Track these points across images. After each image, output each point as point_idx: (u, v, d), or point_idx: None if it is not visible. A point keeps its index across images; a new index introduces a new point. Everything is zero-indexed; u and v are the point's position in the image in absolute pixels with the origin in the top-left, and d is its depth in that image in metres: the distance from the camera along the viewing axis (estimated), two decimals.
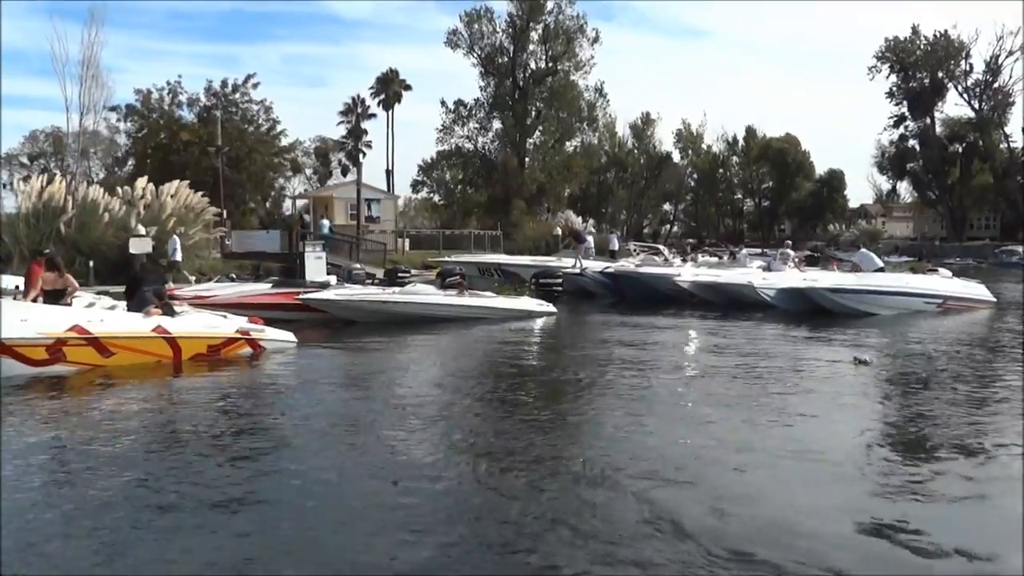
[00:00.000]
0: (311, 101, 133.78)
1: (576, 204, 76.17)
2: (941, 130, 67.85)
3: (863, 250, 20.98)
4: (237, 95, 37.61)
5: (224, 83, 37.57)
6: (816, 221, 77.74)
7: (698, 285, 20.02)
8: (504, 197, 55.04)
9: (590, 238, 29.27)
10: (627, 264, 24.15)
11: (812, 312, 17.60)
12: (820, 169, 77.37)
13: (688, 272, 21.67)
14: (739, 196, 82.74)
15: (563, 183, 61.41)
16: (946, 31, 63.94)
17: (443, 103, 58.25)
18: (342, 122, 70.26)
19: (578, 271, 22.60)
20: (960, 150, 68.14)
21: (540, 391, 9.65)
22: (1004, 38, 61.88)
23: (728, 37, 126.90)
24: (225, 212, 28.41)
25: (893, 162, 70.23)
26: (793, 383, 9.91)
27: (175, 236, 20.02)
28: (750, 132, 78.61)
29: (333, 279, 19.75)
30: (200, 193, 24.60)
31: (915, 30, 65.20)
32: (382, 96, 65.01)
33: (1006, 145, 65.21)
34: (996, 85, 63.38)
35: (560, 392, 9.66)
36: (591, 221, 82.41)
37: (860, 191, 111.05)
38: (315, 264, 22.96)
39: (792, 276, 19.72)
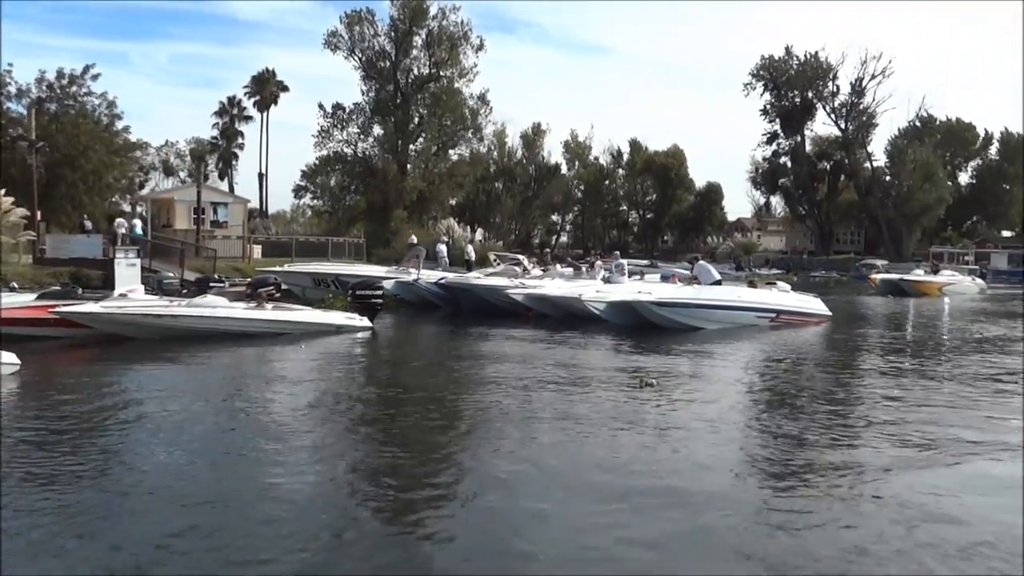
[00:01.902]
0: (201, 102, 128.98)
1: (464, 213, 75.38)
2: (811, 148, 70.52)
3: (701, 262, 20.66)
4: (74, 87, 34.67)
5: (60, 73, 34.61)
6: (697, 233, 79.55)
7: (530, 298, 19.23)
8: (384, 204, 53.50)
9: (442, 246, 28.17)
10: (471, 276, 23.16)
11: (641, 326, 17.07)
12: (701, 182, 79.49)
13: (554, 285, 20.82)
14: (624, 208, 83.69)
15: (447, 191, 60.26)
16: (816, 53, 66.60)
17: (320, 106, 56.17)
18: (216, 123, 67.35)
19: (411, 280, 21.55)
20: (828, 167, 70.98)
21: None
22: (868, 62, 64.90)
23: (623, 54, 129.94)
24: (40, 214, 25.82)
25: (766, 177, 72.49)
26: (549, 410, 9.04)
27: None
28: (635, 145, 79.74)
29: (140, 288, 17.97)
30: (3, 192, 22.12)
31: (788, 50, 67.62)
32: (257, 97, 62.46)
33: (869, 164, 68.27)
34: (861, 106, 66.26)
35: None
36: (480, 230, 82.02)
37: (741, 205, 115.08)
38: (127, 272, 20.97)
39: (625, 289, 19.16)
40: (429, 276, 22.21)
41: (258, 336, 14.50)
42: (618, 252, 28.47)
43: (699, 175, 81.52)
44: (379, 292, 17.53)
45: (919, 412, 9.22)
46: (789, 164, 70.49)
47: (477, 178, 66.90)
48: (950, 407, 9.58)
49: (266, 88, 62.04)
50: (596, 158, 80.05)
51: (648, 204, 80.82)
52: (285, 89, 64.35)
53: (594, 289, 19.29)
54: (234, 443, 7.53)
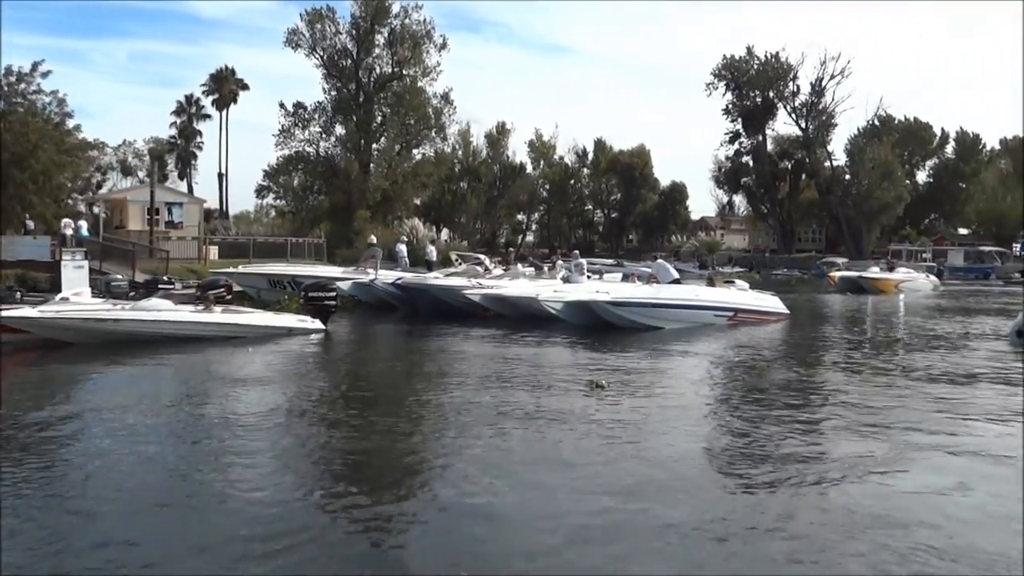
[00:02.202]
0: (162, 101, 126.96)
1: (429, 212, 74.95)
2: (772, 147, 71.20)
3: (659, 261, 20.70)
4: (23, 85, 33.68)
5: (8, 71, 33.60)
6: (661, 232, 79.97)
7: (487, 298, 19.05)
8: (347, 204, 52.94)
9: (402, 246, 27.87)
10: (428, 276, 22.91)
11: (598, 326, 16.97)
12: (666, 182, 79.93)
13: (512, 285, 20.62)
14: (589, 207, 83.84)
15: (411, 191, 59.77)
16: (776, 53, 67.23)
17: (281, 105, 55.36)
18: (174, 122, 66.19)
19: (367, 280, 21.26)
20: (789, 166, 71.73)
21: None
22: (827, 63, 65.70)
23: (589, 54, 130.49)
24: None
25: (729, 176, 73.06)
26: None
27: None
28: (599, 145, 79.90)
29: (87, 291, 17.51)
30: None
31: (749, 51, 68.19)
32: (216, 95, 61.42)
33: (829, 163, 69.13)
34: (820, 106, 67.03)
35: None
36: (445, 230, 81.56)
37: (705, 204, 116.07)
38: (74, 274, 20.35)
39: (583, 288, 19.06)
40: (386, 277, 21.90)
41: (205, 340, 14.12)
42: (577, 251, 28.42)
43: (665, 174, 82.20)
44: (333, 294, 17.17)
45: (873, 413, 9.21)
46: (751, 163, 71.12)
47: (442, 178, 66.51)
48: (905, 407, 9.60)
49: (224, 86, 61.06)
50: (561, 157, 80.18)
51: (613, 203, 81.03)
52: (245, 87, 63.53)
53: (552, 289, 19.14)
54: (158, 456, 7.23)
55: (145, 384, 10.80)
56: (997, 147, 76.16)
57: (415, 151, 59.15)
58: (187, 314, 14.40)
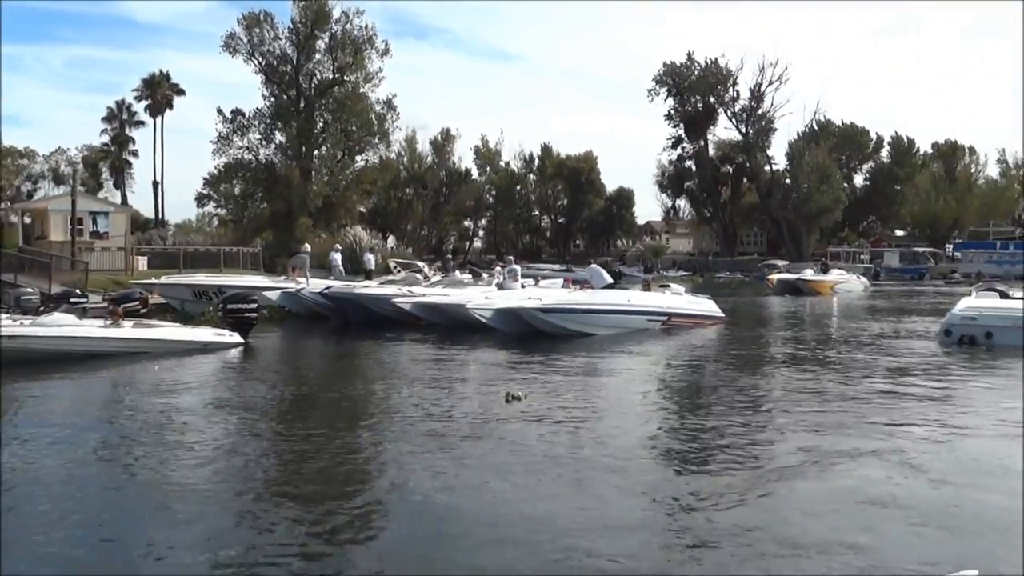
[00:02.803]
0: (98, 108, 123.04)
1: (375, 220, 74.00)
2: (714, 152, 72.10)
3: (593, 265, 20.52)
4: None
5: None
6: (607, 237, 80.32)
7: (418, 306, 18.61)
8: (288, 212, 51.90)
9: (336, 255, 27.24)
10: (357, 285, 22.35)
11: (529, 334, 16.68)
12: (614, 187, 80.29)
13: (443, 293, 20.18)
14: (536, 213, 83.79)
15: (355, 198, 58.93)
16: (716, 59, 68.08)
17: (219, 111, 54.00)
18: (106, 129, 64.16)
19: (295, 290, 20.64)
20: (730, 171, 72.70)
21: None
22: (765, 69, 66.79)
23: (534, 60, 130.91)
24: None
25: (672, 181, 73.77)
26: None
27: None
28: (546, 150, 79.95)
29: None
30: None
31: (690, 56, 68.96)
32: (148, 101, 59.67)
33: (769, 167, 70.25)
34: (760, 111, 68.10)
35: None
36: (391, 237, 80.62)
37: (652, 208, 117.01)
38: None
39: (515, 295, 18.74)
40: (317, 285, 21.28)
41: (112, 357, 13.36)
42: (512, 257, 28.06)
43: (612, 179, 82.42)
44: (253, 305, 16.51)
45: (797, 420, 9.07)
46: (694, 168, 71.91)
47: (387, 184, 65.75)
48: (830, 411, 9.49)
49: (158, 91, 59.29)
50: (507, 163, 79.99)
51: (560, 209, 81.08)
52: (180, 92, 61.83)
53: (484, 296, 18.78)
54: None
55: (24, 408, 10.06)
56: (930, 151, 78.35)
57: (358, 158, 58.34)
58: (92, 329, 13.64)
